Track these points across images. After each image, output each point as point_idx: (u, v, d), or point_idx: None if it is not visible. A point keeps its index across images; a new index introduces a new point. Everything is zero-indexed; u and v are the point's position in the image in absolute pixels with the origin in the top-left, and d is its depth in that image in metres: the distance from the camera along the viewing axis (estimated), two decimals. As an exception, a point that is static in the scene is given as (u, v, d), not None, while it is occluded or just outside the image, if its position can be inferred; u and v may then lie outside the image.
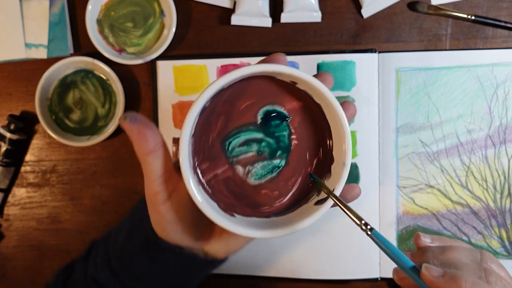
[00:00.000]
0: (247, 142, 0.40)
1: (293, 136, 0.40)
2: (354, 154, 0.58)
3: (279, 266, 0.60)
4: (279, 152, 0.40)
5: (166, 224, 0.41)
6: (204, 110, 0.37)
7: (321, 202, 0.38)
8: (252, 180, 0.40)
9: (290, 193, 0.40)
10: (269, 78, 0.38)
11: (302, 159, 0.40)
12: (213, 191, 0.39)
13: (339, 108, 0.37)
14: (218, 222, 0.36)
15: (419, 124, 0.58)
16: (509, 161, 0.58)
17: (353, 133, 0.58)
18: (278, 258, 0.60)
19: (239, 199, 0.40)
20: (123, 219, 0.49)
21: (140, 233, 0.44)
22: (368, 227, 0.34)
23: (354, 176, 0.58)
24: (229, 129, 0.39)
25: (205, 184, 0.39)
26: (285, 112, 0.40)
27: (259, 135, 0.40)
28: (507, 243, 0.58)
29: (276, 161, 0.40)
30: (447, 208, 0.58)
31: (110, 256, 0.45)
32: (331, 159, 0.40)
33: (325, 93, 0.36)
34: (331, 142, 0.40)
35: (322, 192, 0.39)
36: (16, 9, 0.62)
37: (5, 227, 0.66)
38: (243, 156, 0.40)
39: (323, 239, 0.57)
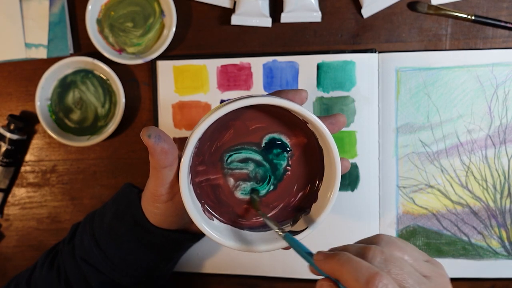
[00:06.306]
0: (245, 160, 0.42)
1: (288, 168, 0.43)
2: (354, 154, 0.58)
3: (279, 266, 0.60)
4: (271, 178, 0.43)
5: (162, 217, 0.46)
6: (217, 120, 0.38)
7: (294, 233, 0.41)
8: (238, 194, 0.43)
9: (268, 215, 0.43)
10: (286, 110, 0.39)
11: (289, 189, 0.43)
12: (201, 192, 0.42)
13: (338, 161, 0.39)
14: (198, 224, 0.39)
15: (419, 124, 0.58)
16: (509, 161, 0.58)
17: (353, 133, 0.58)
18: (278, 258, 0.60)
19: (222, 206, 0.43)
20: (103, 205, 0.53)
21: (127, 216, 0.48)
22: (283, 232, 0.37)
23: (354, 176, 0.58)
24: (234, 143, 0.42)
25: (196, 184, 0.42)
26: (289, 144, 0.42)
27: (258, 157, 0.42)
28: (507, 243, 0.58)
29: (266, 185, 0.43)
30: (447, 208, 0.58)
31: (97, 237, 0.49)
32: (315, 198, 0.42)
33: (330, 143, 0.38)
34: (320, 184, 0.42)
35: (297, 224, 0.42)
36: (16, 9, 0.62)
37: (5, 227, 0.66)
38: (237, 171, 0.42)
39: (323, 239, 0.57)
